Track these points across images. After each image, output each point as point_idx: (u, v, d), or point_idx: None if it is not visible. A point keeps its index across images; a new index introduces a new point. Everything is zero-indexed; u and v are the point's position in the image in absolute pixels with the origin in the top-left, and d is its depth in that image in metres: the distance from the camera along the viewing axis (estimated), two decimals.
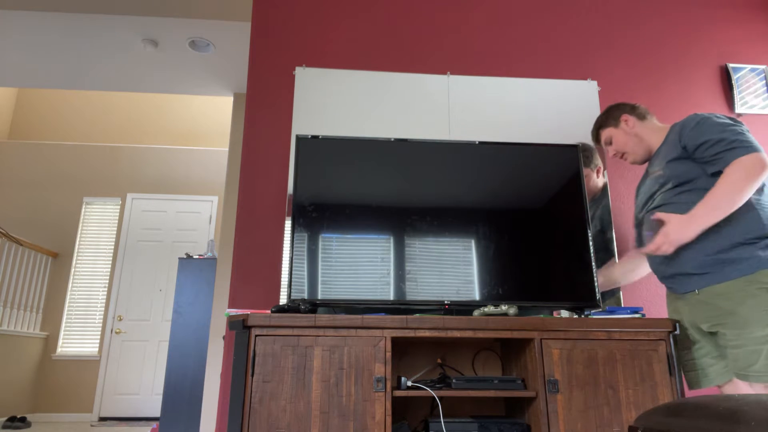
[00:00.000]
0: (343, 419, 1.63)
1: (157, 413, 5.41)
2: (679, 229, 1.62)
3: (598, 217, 2.49)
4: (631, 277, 2.12)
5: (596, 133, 2.06)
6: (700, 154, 1.68)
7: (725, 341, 1.60)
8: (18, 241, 5.14)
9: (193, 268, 4.07)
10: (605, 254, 2.43)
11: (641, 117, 1.97)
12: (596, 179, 2.53)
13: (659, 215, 1.68)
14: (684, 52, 2.84)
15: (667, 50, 2.84)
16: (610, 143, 2.01)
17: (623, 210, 2.55)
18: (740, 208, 1.62)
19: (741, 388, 1.68)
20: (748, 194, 1.57)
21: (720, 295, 1.62)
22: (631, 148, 1.95)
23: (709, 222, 1.59)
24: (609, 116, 2.01)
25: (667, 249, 1.64)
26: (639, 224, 2.02)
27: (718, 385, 1.72)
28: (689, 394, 2.30)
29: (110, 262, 5.84)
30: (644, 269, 2.09)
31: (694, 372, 1.76)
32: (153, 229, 5.94)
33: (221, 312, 3.59)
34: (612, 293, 2.39)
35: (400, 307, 2.06)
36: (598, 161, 2.55)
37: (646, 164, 2.01)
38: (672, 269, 1.75)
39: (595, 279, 2.08)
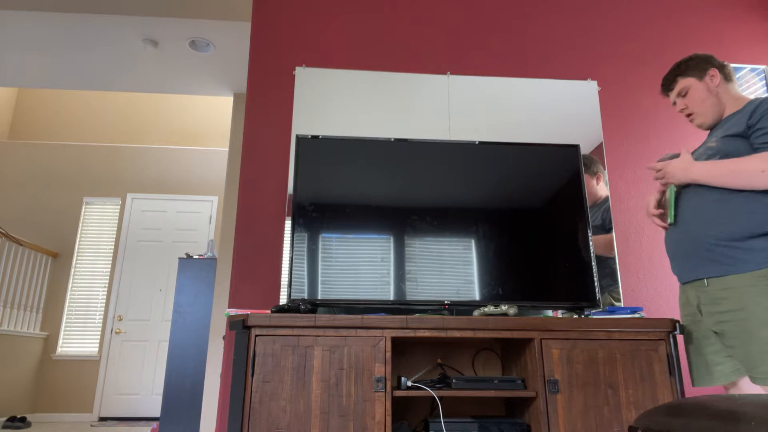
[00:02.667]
0: (343, 419, 1.63)
1: (157, 413, 5.41)
2: (679, 166, 1.67)
3: (599, 220, 2.48)
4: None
5: (672, 79, 1.80)
6: (753, 139, 1.59)
7: (731, 341, 1.56)
8: (18, 241, 5.14)
9: (193, 268, 4.06)
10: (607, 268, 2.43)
11: (728, 78, 1.75)
12: (596, 186, 2.52)
13: (683, 153, 1.70)
14: (684, 52, 2.84)
15: (667, 50, 2.84)
16: (684, 95, 1.78)
17: (623, 210, 2.55)
18: (763, 199, 1.56)
19: (744, 389, 1.64)
20: (760, 186, 1.52)
21: (728, 289, 1.56)
22: (706, 108, 1.74)
23: (707, 180, 1.61)
24: (694, 66, 1.76)
25: (661, 176, 1.71)
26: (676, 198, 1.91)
27: (724, 386, 1.67)
28: (691, 392, 2.30)
29: (110, 262, 5.84)
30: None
31: (699, 369, 1.70)
32: (153, 229, 5.94)
33: (221, 312, 3.59)
34: (611, 290, 2.39)
35: (400, 307, 2.06)
36: (598, 168, 2.54)
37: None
38: (681, 247, 1.68)
39: (595, 279, 2.08)
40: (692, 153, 1.83)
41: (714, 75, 1.74)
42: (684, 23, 2.90)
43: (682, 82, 1.78)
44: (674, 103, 1.84)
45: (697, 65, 1.76)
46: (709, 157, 1.67)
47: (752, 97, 2.73)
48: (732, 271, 1.56)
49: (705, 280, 1.63)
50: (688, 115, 1.79)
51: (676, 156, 1.76)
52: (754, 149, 1.59)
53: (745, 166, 1.55)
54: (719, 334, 1.62)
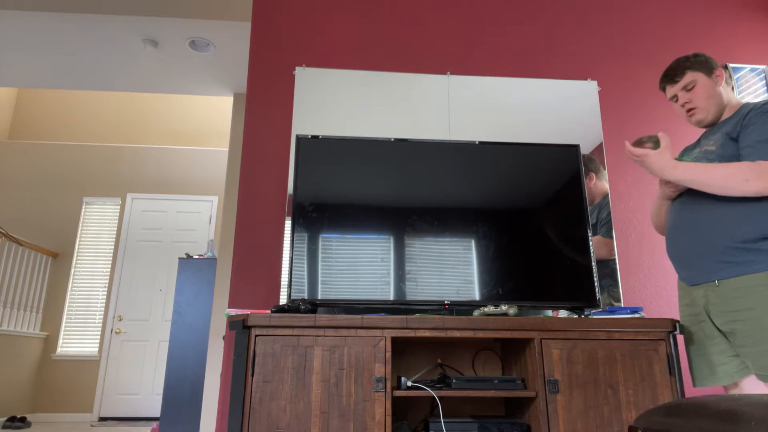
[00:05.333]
0: (343, 419, 1.63)
1: (157, 413, 5.41)
2: (660, 162, 1.63)
3: (594, 219, 2.49)
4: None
5: (680, 71, 1.78)
6: (741, 145, 1.59)
7: (742, 341, 1.54)
8: (18, 241, 5.14)
9: (193, 268, 4.06)
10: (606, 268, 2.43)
11: (728, 81, 1.79)
12: (588, 185, 2.52)
13: (663, 145, 1.66)
14: (684, 52, 2.84)
15: (667, 50, 2.84)
16: (691, 89, 1.76)
17: (623, 210, 2.55)
18: None
19: (746, 390, 1.64)
20: (743, 194, 1.53)
21: (740, 289, 1.55)
22: (710, 105, 1.74)
23: (689, 183, 1.59)
24: (703, 62, 1.76)
25: (640, 161, 1.66)
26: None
27: (724, 386, 1.66)
28: (691, 392, 2.30)
29: (110, 262, 5.84)
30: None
31: (701, 370, 1.68)
32: (153, 229, 5.94)
33: (221, 312, 3.59)
34: (611, 290, 2.39)
35: (400, 307, 2.06)
36: (592, 167, 2.54)
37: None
38: (692, 251, 1.67)
39: (595, 279, 2.08)
40: (689, 153, 1.83)
41: (720, 75, 1.75)
42: (684, 23, 2.90)
43: (691, 75, 1.76)
44: (673, 97, 1.81)
45: (705, 62, 1.77)
46: (709, 161, 1.67)
47: (751, 98, 2.74)
48: (745, 272, 1.55)
49: (716, 281, 1.62)
50: (690, 110, 1.77)
51: (654, 138, 1.74)
52: (739, 154, 1.59)
53: (728, 173, 1.54)
54: (727, 334, 1.61)
